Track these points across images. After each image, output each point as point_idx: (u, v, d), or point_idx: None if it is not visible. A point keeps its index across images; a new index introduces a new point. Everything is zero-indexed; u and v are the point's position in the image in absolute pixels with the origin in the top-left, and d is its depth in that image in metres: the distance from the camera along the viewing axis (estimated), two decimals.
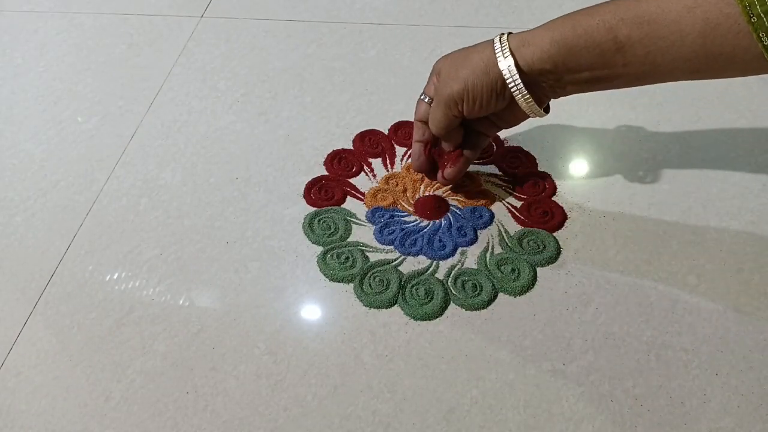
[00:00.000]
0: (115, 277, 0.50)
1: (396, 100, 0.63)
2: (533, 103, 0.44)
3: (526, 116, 0.46)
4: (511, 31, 0.44)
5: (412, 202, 0.53)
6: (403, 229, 0.51)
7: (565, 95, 0.44)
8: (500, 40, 0.43)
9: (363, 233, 0.52)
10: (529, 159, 0.56)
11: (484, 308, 0.47)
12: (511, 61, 0.42)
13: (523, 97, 0.43)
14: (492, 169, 0.56)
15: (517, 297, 0.47)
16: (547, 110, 0.46)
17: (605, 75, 0.41)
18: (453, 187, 0.54)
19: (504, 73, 0.42)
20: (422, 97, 0.49)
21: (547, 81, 0.43)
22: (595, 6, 0.40)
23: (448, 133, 0.48)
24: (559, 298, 0.47)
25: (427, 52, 0.69)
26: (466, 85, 0.44)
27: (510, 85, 0.43)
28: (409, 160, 0.57)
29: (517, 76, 0.42)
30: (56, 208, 0.56)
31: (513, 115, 0.47)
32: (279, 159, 0.58)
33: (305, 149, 0.59)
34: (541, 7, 0.73)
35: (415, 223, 0.52)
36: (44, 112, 0.65)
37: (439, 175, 0.51)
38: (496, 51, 0.43)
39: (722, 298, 0.46)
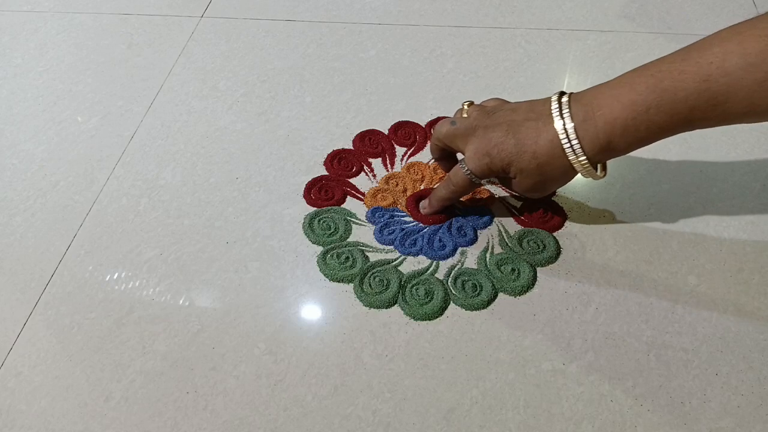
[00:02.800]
0: (115, 277, 0.50)
1: (396, 100, 0.63)
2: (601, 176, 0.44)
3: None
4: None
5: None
6: (403, 229, 0.51)
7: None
8: (567, 132, 0.41)
9: (363, 233, 0.52)
10: None
11: (484, 308, 0.46)
12: (580, 153, 0.41)
13: (593, 175, 0.44)
14: None
15: (517, 297, 0.47)
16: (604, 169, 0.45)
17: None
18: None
19: (574, 164, 0.42)
20: (452, 122, 0.47)
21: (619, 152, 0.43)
22: (666, 92, 0.38)
23: (472, 185, 0.47)
24: (559, 298, 0.47)
25: (427, 52, 0.69)
26: (543, 182, 0.44)
27: (583, 171, 0.43)
28: (410, 160, 0.57)
29: (586, 161, 0.42)
30: (56, 208, 0.56)
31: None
32: (279, 159, 0.58)
33: (305, 149, 0.59)
34: (541, 7, 0.73)
35: (415, 223, 0.52)
36: (44, 112, 0.65)
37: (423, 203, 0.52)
38: (566, 147, 0.41)
39: (722, 298, 0.46)
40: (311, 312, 0.47)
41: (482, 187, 0.54)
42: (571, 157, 0.42)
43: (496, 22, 0.71)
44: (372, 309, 0.47)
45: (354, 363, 0.44)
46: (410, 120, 0.61)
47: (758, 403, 0.41)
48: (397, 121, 0.61)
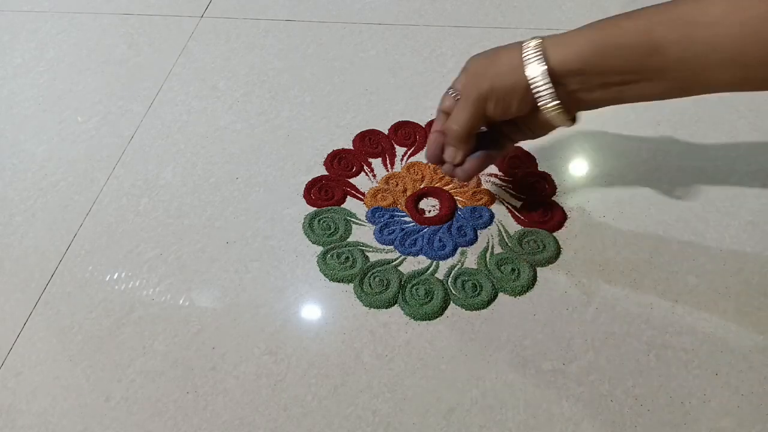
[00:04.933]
0: (115, 277, 0.50)
1: (396, 100, 0.63)
2: (554, 108, 0.42)
3: (551, 126, 0.44)
4: (535, 34, 0.42)
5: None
6: (403, 229, 0.51)
7: (593, 105, 0.42)
8: (530, 42, 0.41)
9: (363, 233, 0.52)
10: (529, 159, 0.56)
11: (484, 308, 0.47)
12: (537, 66, 0.40)
13: (544, 102, 0.42)
14: (492, 169, 0.56)
15: (517, 297, 0.47)
16: (574, 120, 0.43)
17: (637, 79, 0.39)
18: (453, 187, 0.54)
19: (529, 77, 0.41)
20: (449, 91, 0.47)
21: (574, 84, 0.41)
22: (635, 10, 0.39)
23: (468, 134, 0.45)
24: (559, 298, 0.47)
25: (427, 52, 0.69)
26: (493, 85, 0.42)
27: (533, 89, 0.41)
28: (410, 160, 0.57)
29: (542, 80, 0.41)
30: (56, 208, 0.56)
31: (537, 122, 0.44)
32: (279, 159, 0.58)
33: (305, 149, 0.59)
34: (541, 6, 0.73)
35: (414, 223, 0.52)
36: (44, 112, 0.65)
37: (449, 167, 0.49)
38: (524, 53, 0.41)
39: (722, 298, 0.46)
40: (311, 312, 0.47)
41: (482, 187, 0.54)
42: (525, 54, 0.41)
43: (496, 22, 0.71)
44: (372, 309, 0.47)
45: (354, 363, 0.44)
46: (410, 120, 0.61)
47: (758, 403, 0.41)
48: (397, 121, 0.61)
